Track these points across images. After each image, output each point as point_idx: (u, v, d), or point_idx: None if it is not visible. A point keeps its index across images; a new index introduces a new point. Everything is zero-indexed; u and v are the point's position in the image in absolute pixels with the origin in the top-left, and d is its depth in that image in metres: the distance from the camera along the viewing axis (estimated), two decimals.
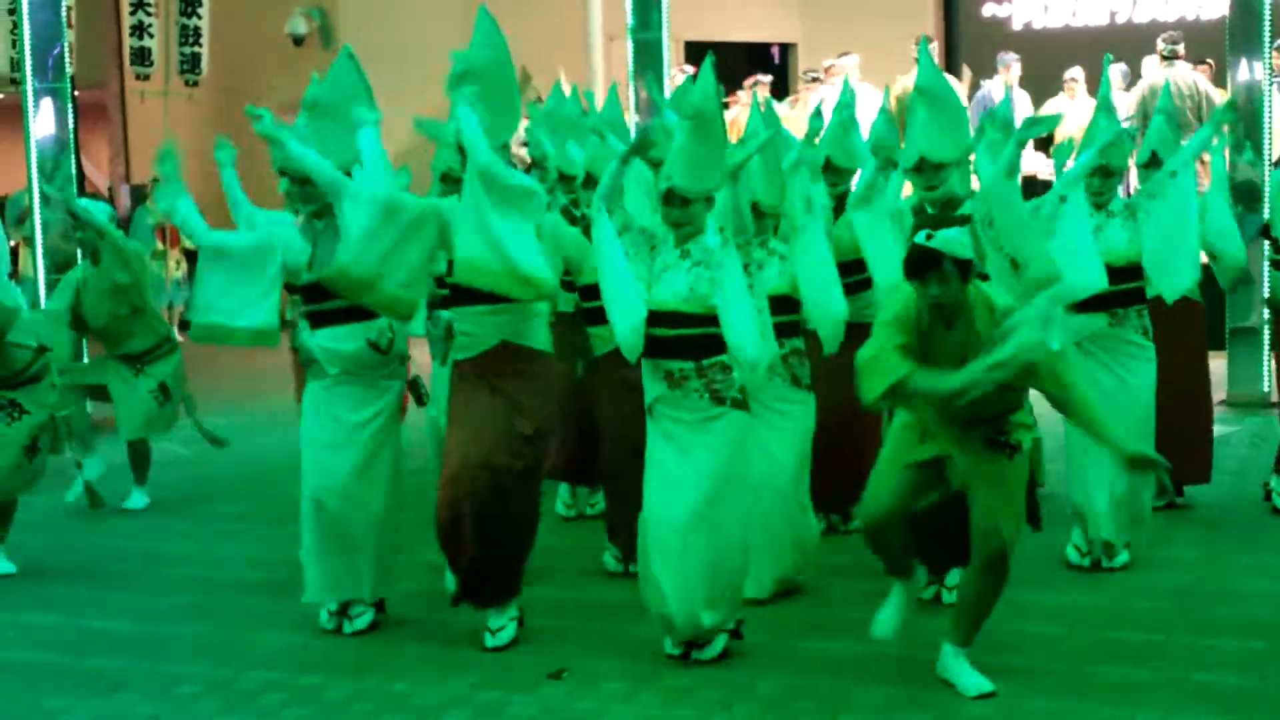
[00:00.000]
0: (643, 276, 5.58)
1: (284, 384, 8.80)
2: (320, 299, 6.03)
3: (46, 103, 11.72)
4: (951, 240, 4.95)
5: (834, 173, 7.22)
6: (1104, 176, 6.74)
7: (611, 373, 6.62)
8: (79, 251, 8.75)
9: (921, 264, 4.95)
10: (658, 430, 5.62)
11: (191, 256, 16.48)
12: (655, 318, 5.51)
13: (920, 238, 4.98)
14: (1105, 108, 6.82)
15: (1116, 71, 14.27)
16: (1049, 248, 6.11)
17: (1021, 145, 6.20)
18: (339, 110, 5.95)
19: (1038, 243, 6.05)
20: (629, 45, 13.61)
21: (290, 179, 6.17)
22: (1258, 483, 7.80)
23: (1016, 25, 17.52)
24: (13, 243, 15.51)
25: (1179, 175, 6.82)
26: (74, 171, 11.91)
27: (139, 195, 17.28)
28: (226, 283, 6.32)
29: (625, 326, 5.46)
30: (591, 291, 6.43)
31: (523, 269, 5.57)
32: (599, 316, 6.38)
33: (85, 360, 8.90)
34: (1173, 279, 6.84)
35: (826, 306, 6.25)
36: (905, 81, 14.55)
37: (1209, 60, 14.16)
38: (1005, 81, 14.83)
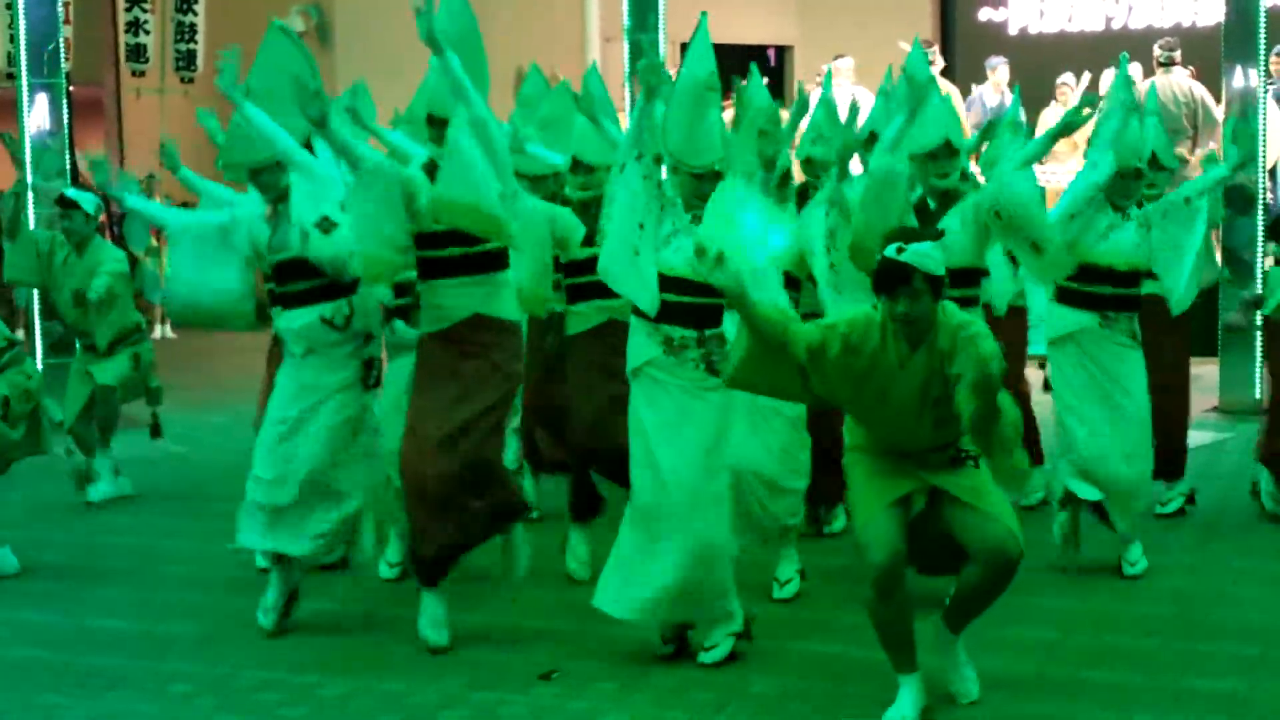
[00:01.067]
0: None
1: None
2: (285, 281, 6.04)
3: (41, 98, 11.72)
4: (924, 255, 4.81)
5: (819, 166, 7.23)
6: (1134, 179, 6.70)
7: (584, 354, 6.66)
8: (66, 228, 8.74)
9: (892, 278, 4.82)
10: (643, 397, 5.57)
11: None
12: (662, 282, 5.47)
13: (891, 250, 4.85)
14: (1131, 107, 6.65)
15: (1131, 71, 14.31)
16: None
17: (1055, 140, 6.34)
18: (278, 92, 5.89)
19: (1048, 227, 6.21)
20: (625, 47, 13.62)
21: (239, 171, 6.18)
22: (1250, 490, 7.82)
23: (1012, 30, 17.55)
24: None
25: (1193, 204, 6.87)
26: (66, 166, 11.90)
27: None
28: (198, 262, 6.37)
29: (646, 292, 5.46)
30: (575, 268, 6.67)
31: (497, 209, 5.64)
32: (580, 292, 6.65)
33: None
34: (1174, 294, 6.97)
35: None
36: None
37: (1190, 65, 14.20)
38: (994, 85, 14.88)
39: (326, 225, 5.82)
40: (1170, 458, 7.55)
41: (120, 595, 6.80)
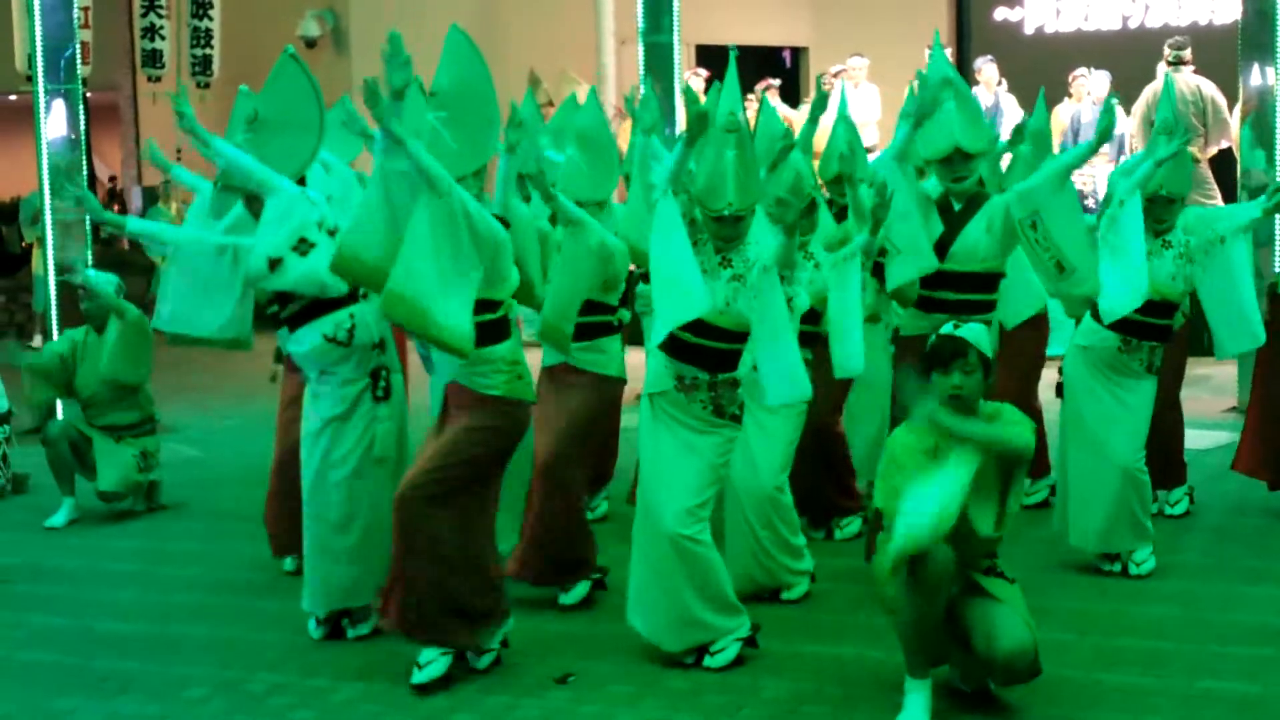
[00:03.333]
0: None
1: None
2: (283, 304, 6.01)
3: (58, 104, 11.74)
4: (978, 334, 5.10)
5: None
6: (1165, 204, 6.58)
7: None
8: (81, 305, 8.65)
9: (947, 353, 5.05)
10: (651, 424, 5.64)
11: None
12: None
13: (948, 328, 5.12)
14: (1165, 130, 6.50)
15: (1104, 76, 14.27)
16: (1098, 259, 6.24)
17: (1096, 150, 6.46)
18: (285, 119, 5.89)
19: (1087, 255, 6.15)
20: (640, 49, 13.62)
21: (233, 194, 6.14)
22: (1263, 490, 7.78)
23: (1028, 29, 17.51)
24: (25, 243, 15.60)
25: (1228, 243, 6.69)
26: (85, 175, 11.93)
27: (150, 197, 17.31)
28: (191, 291, 6.32)
29: (676, 317, 5.39)
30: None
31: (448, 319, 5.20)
32: None
33: (60, 418, 8.83)
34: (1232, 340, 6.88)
35: (846, 355, 6.20)
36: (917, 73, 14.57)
37: (1206, 64, 14.15)
38: (985, 84, 14.82)
39: (304, 248, 5.80)
40: (1167, 468, 7.52)
41: (132, 598, 6.81)
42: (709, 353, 5.54)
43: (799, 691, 5.35)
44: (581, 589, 6.42)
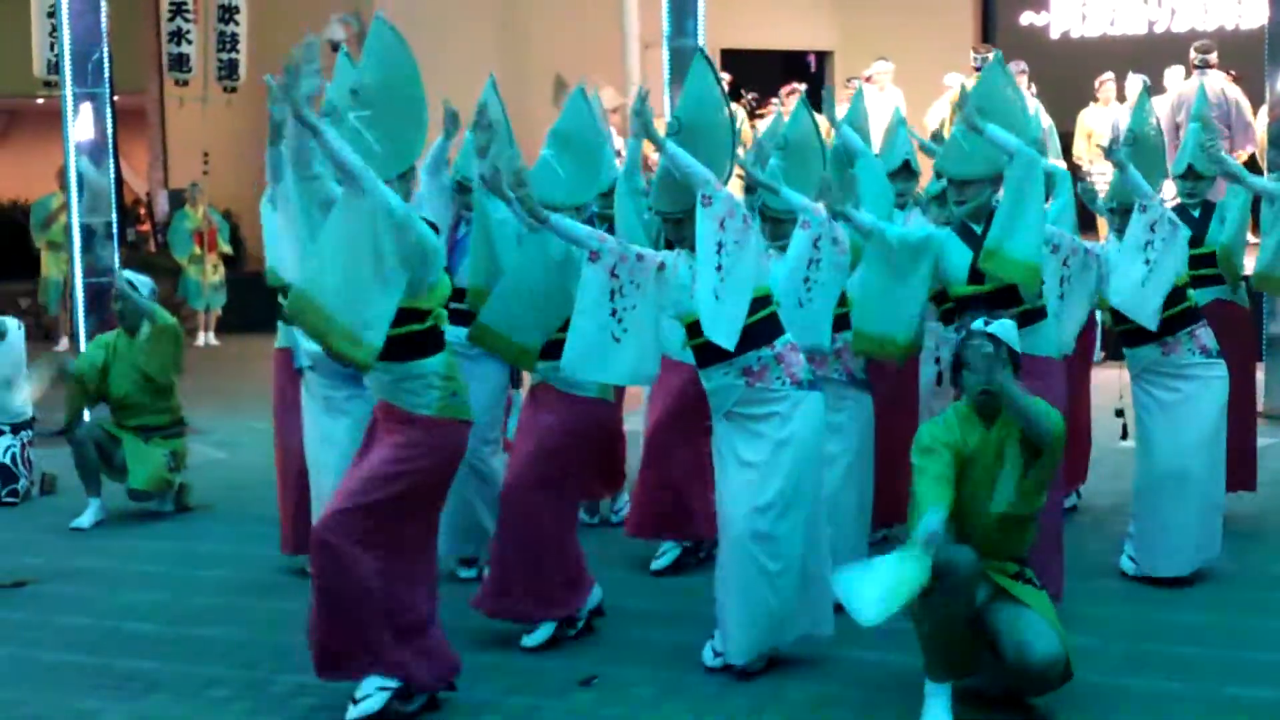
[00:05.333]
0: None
1: None
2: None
3: (86, 108, 11.79)
4: (1009, 330, 5.13)
5: None
6: (1124, 214, 6.64)
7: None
8: (117, 313, 8.69)
9: (976, 349, 5.08)
10: (741, 436, 5.55)
11: (229, 261, 16.58)
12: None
13: (979, 324, 5.13)
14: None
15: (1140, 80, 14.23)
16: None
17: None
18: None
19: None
20: (664, 53, 13.62)
21: None
22: None
23: (1054, 34, 17.48)
24: (38, 245, 15.66)
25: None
26: (113, 177, 11.98)
27: (177, 200, 17.37)
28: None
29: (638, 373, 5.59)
30: None
31: (357, 331, 4.85)
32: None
33: (87, 418, 8.84)
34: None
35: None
36: (956, 87, 14.51)
37: (1232, 68, 14.10)
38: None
39: None
40: (1239, 467, 7.41)
41: (157, 599, 6.84)
42: (764, 325, 5.52)
43: (822, 695, 5.34)
44: (544, 631, 5.97)
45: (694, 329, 5.55)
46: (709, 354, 5.54)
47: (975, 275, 6.07)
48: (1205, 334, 6.69)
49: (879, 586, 4.82)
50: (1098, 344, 8.47)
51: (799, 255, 6.08)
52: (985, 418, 5.13)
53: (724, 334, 5.42)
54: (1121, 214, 6.66)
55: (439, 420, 5.09)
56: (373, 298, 4.84)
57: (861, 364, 6.38)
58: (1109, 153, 6.57)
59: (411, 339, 5.05)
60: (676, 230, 5.64)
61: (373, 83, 5.04)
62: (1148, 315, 6.48)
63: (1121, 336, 6.75)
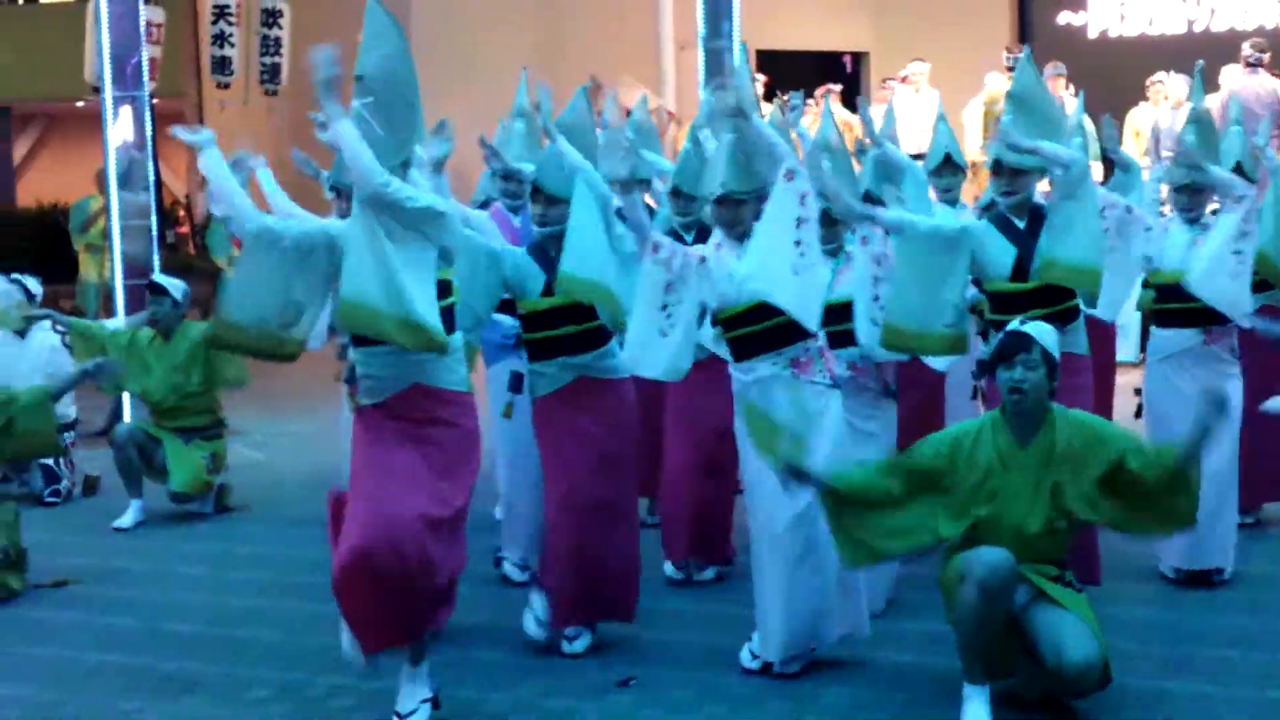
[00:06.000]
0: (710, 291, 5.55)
1: None
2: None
3: (125, 111, 11.86)
4: (1045, 332, 5.07)
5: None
6: (1192, 194, 6.66)
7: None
8: (153, 313, 8.73)
9: (1012, 347, 5.04)
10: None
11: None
12: (766, 308, 5.47)
13: (1015, 323, 5.11)
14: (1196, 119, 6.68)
15: (1182, 80, 14.14)
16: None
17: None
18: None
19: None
20: (699, 54, 13.61)
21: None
22: None
23: (1092, 33, 17.37)
24: (77, 248, 15.75)
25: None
26: (151, 179, 12.05)
27: None
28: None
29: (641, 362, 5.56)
30: (536, 320, 5.95)
31: (414, 316, 4.85)
32: (543, 349, 5.94)
33: (128, 419, 8.87)
34: None
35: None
36: (993, 87, 14.45)
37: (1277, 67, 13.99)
38: (1054, 92, 14.68)
39: None
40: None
41: (197, 601, 6.88)
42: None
43: (859, 698, 5.33)
44: (585, 639, 5.95)
45: (732, 321, 5.55)
46: (752, 345, 5.54)
47: (1019, 271, 6.04)
48: (1235, 335, 6.70)
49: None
50: (1136, 345, 8.41)
51: (867, 273, 6.13)
52: (1018, 428, 5.09)
53: (807, 311, 5.44)
54: (1190, 194, 6.63)
55: (471, 396, 5.14)
56: (416, 279, 4.85)
57: (894, 373, 6.38)
58: (1179, 158, 6.58)
59: (448, 311, 5.05)
60: (735, 213, 5.56)
61: (373, 69, 4.97)
62: (1241, 310, 6.49)
63: (1159, 316, 6.70)
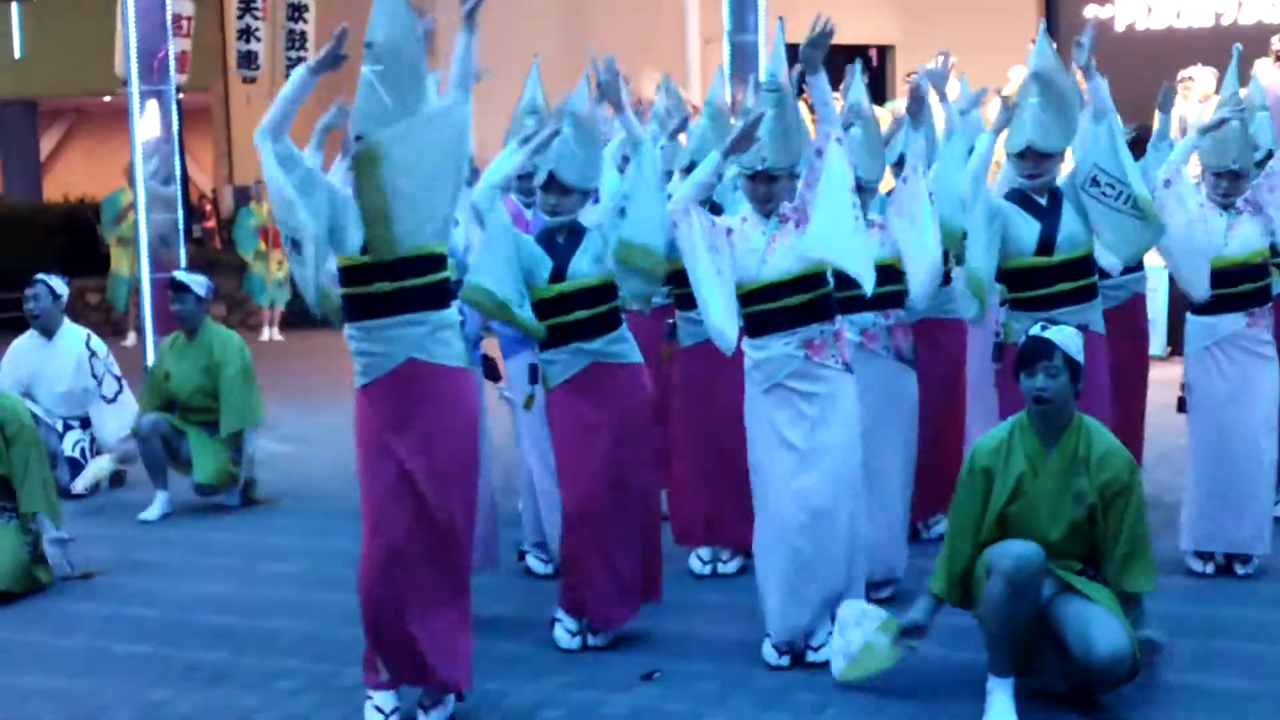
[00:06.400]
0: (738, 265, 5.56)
1: None
2: None
3: (151, 105, 11.90)
4: (1067, 337, 5.04)
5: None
6: (1233, 179, 6.64)
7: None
8: (176, 311, 8.75)
9: (1034, 353, 5.02)
10: (784, 413, 5.54)
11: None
12: (785, 286, 5.50)
13: (1037, 329, 5.09)
14: (1230, 104, 6.66)
15: (1210, 74, 14.06)
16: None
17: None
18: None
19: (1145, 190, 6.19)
20: (725, 48, 13.58)
21: None
22: None
23: (1119, 27, 17.29)
24: (108, 242, 15.83)
25: None
26: (178, 174, 12.09)
27: (242, 197, 17.52)
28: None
29: (726, 331, 5.49)
30: (545, 306, 5.82)
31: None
32: (553, 337, 5.85)
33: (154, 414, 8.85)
34: None
35: (921, 251, 6.15)
36: (1018, 81, 14.40)
37: None
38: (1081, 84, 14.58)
39: None
40: None
41: (226, 592, 6.90)
42: (821, 302, 5.55)
43: (886, 691, 5.31)
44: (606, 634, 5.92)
45: (751, 296, 5.56)
46: (769, 322, 5.54)
47: (1044, 246, 6.08)
48: (1271, 315, 6.71)
49: (853, 646, 5.28)
50: (1164, 339, 8.37)
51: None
52: (1043, 432, 5.09)
53: (870, 275, 5.49)
54: (1230, 179, 6.62)
55: (468, 373, 5.12)
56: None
57: (910, 345, 6.38)
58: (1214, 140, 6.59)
59: (445, 283, 5.05)
60: (769, 189, 5.59)
61: (382, 39, 4.96)
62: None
63: (1202, 304, 6.65)
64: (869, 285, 5.52)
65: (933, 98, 7.06)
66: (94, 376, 9.19)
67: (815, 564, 5.50)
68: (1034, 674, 5.13)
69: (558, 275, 5.79)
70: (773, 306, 5.53)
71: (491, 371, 6.28)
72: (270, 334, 16.52)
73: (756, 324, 5.59)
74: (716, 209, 6.36)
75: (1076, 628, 4.92)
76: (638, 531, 5.87)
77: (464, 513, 5.05)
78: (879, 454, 6.14)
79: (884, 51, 18.50)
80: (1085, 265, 6.13)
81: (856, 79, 6.69)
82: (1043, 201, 6.12)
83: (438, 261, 5.01)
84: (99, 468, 9.07)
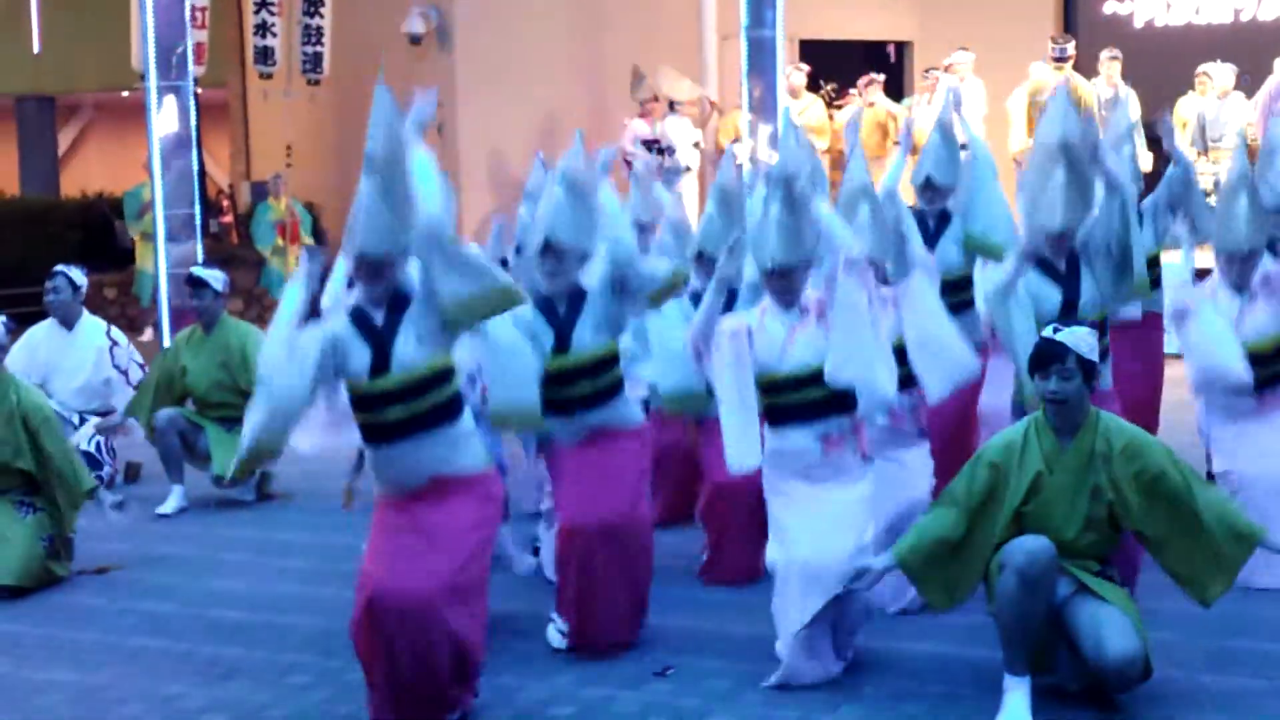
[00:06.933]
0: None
1: None
2: None
3: (169, 100, 11.94)
4: (1079, 338, 4.99)
5: (933, 190, 7.25)
6: (1244, 262, 6.49)
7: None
8: (195, 306, 8.77)
9: (1047, 356, 4.99)
10: (803, 486, 5.52)
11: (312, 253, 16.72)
12: (805, 380, 5.47)
13: (1049, 331, 5.05)
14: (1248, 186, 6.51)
15: (1229, 70, 14.02)
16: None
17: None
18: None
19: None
20: (743, 44, 13.57)
21: None
22: None
23: (1138, 23, 17.23)
24: (132, 236, 15.85)
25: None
26: (196, 169, 12.12)
27: (260, 192, 17.54)
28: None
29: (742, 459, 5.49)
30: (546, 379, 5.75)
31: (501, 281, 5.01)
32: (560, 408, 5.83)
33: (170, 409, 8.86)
34: None
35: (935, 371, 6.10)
36: (1037, 77, 14.36)
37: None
38: (1108, 80, 14.53)
39: None
40: None
41: (241, 587, 6.92)
42: (839, 396, 5.47)
43: (899, 689, 5.31)
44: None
45: (770, 388, 5.54)
46: (788, 414, 5.53)
47: (1066, 311, 6.01)
48: None
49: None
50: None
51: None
52: (1060, 429, 5.07)
53: (880, 386, 5.37)
54: (1241, 262, 6.46)
55: (491, 473, 5.16)
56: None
57: (924, 413, 6.37)
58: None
59: (458, 395, 5.10)
60: (787, 283, 5.54)
61: (380, 152, 4.93)
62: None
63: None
64: (893, 396, 5.45)
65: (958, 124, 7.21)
66: (116, 367, 9.21)
67: (824, 629, 5.44)
68: (1048, 673, 5.12)
69: (561, 346, 5.78)
70: (792, 399, 5.50)
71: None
72: None
73: (775, 414, 5.58)
74: (732, 294, 6.39)
75: (1089, 629, 4.91)
76: (619, 574, 5.78)
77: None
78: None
79: (901, 47, 18.43)
80: (1104, 327, 6.04)
81: (858, 157, 6.62)
82: (1061, 267, 6.09)
83: (447, 376, 5.04)
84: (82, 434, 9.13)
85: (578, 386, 5.78)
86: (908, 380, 5.99)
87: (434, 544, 4.95)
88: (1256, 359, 6.42)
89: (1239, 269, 6.48)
